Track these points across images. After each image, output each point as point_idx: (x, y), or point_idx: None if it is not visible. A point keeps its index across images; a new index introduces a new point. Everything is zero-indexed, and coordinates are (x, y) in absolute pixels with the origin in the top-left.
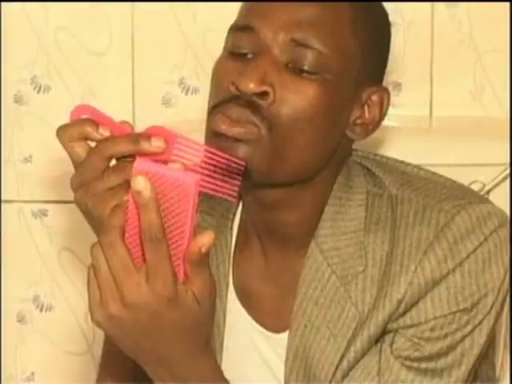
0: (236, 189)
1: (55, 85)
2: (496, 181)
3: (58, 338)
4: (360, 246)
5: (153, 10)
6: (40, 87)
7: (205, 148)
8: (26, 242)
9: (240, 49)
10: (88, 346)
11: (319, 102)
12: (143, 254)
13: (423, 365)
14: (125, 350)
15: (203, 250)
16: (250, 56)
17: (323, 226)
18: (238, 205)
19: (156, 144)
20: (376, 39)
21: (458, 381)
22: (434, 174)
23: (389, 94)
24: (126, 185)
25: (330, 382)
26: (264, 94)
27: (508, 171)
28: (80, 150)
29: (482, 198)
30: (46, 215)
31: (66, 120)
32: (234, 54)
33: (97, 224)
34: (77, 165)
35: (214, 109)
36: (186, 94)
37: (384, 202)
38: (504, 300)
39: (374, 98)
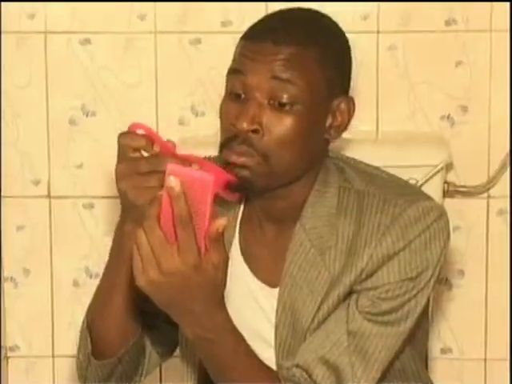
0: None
1: (99, 110)
2: (426, 178)
3: None
4: (332, 227)
5: (171, 52)
6: (88, 112)
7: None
8: (79, 227)
9: (235, 90)
10: None
11: (297, 128)
12: (174, 235)
13: (379, 318)
14: (160, 305)
15: (220, 229)
16: (243, 96)
17: (306, 211)
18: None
19: None
20: (339, 64)
21: (405, 330)
22: (392, 175)
23: (353, 100)
24: (159, 186)
25: (309, 327)
26: (255, 131)
27: (433, 171)
28: (131, 151)
29: (426, 196)
30: (93, 207)
31: (108, 136)
32: (231, 95)
33: (130, 206)
34: (122, 159)
35: (223, 146)
36: (196, 116)
37: (352, 195)
38: (439, 272)
39: (342, 106)
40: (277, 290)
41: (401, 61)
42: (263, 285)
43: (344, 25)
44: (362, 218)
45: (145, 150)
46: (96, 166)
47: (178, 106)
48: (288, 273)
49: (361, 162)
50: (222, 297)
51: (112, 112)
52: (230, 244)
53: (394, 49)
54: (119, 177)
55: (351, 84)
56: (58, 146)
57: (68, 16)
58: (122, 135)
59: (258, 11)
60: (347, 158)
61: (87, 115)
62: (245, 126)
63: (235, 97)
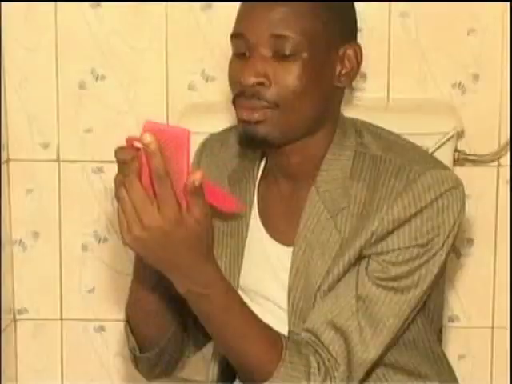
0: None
1: (109, 75)
2: (437, 145)
3: (111, 262)
4: (345, 190)
5: (182, 18)
6: (97, 76)
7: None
8: (88, 191)
9: (239, 50)
10: None
11: (304, 75)
12: (154, 192)
13: (390, 283)
14: (149, 262)
15: (196, 182)
16: (247, 54)
17: (321, 175)
18: (263, 154)
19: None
20: (336, 12)
21: (413, 297)
22: (413, 144)
23: (360, 46)
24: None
25: (319, 288)
26: (261, 83)
27: (444, 139)
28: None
29: (443, 166)
30: (102, 172)
31: (118, 100)
32: (237, 55)
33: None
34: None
35: (234, 101)
36: (206, 81)
37: (367, 159)
38: (453, 243)
39: (349, 52)
40: (290, 249)
41: (412, 28)
42: (277, 243)
43: None
44: (376, 183)
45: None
46: (105, 130)
47: (187, 71)
48: (301, 235)
49: (382, 129)
50: (210, 251)
51: (122, 76)
52: (250, 201)
53: (406, 16)
54: (116, 186)
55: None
56: (67, 109)
57: None
58: (116, 151)
59: None
60: (369, 123)
61: (97, 79)
62: (251, 80)
63: (240, 56)
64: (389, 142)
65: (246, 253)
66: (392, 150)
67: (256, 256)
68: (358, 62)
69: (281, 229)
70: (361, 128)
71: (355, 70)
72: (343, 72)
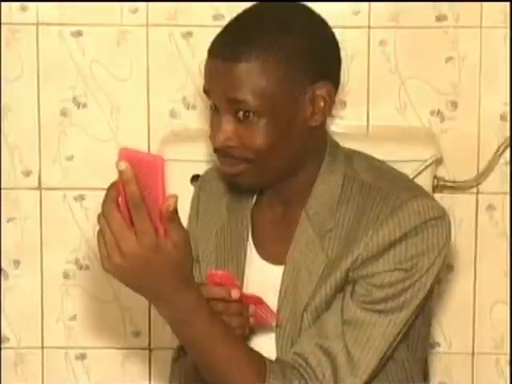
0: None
1: (90, 103)
2: (416, 173)
3: (93, 289)
4: (333, 213)
5: (163, 46)
6: (79, 104)
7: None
8: (69, 218)
9: (211, 102)
10: (115, 295)
11: (268, 133)
12: (131, 218)
13: (375, 307)
14: (131, 288)
15: (170, 208)
16: (219, 109)
17: (311, 199)
18: None
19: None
20: (297, 60)
21: (398, 320)
22: (400, 172)
23: (330, 83)
24: None
25: (305, 309)
26: (228, 147)
27: (423, 166)
28: None
29: (429, 195)
30: (83, 199)
31: (99, 128)
32: (211, 107)
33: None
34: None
35: (214, 152)
36: (187, 109)
37: (356, 184)
38: (439, 270)
39: (318, 92)
40: (281, 267)
41: (391, 56)
42: (268, 264)
43: (335, 20)
44: (364, 208)
45: None
46: (87, 157)
47: (169, 99)
48: (291, 257)
49: (373, 158)
50: (190, 275)
51: (103, 104)
52: (243, 228)
53: (385, 44)
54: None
55: (335, 72)
56: (48, 137)
57: (60, 8)
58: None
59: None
60: (361, 152)
61: (79, 107)
62: (219, 144)
63: (214, 108)
64: (379, 170)
65: (245, 277)
66: (382, 177)
67: (252, 278)
68: (331, 98)
69: (273, 251)
70: (352, 154)
71: (329, 107)
72: (316, 110)
